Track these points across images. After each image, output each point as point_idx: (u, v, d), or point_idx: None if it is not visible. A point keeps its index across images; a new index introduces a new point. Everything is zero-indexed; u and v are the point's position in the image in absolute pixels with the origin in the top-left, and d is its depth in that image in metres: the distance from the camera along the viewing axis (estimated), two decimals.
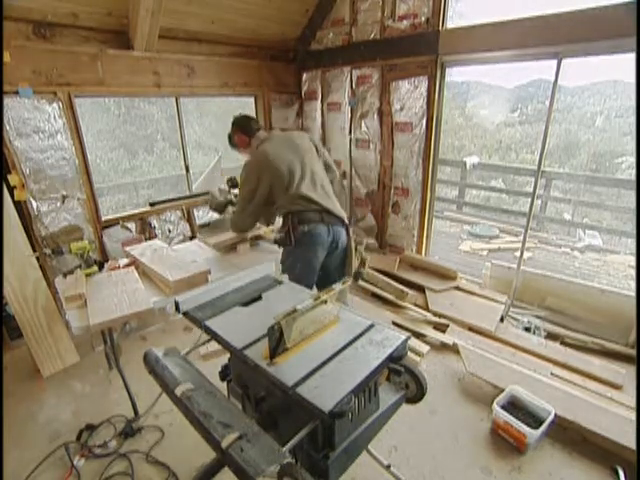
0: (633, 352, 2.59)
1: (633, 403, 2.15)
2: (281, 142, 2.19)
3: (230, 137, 2.33)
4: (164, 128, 7.60)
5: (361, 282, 3.54)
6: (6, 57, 2.36)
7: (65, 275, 2.13)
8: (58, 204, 2.87)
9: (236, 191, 2.55)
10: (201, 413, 1.11)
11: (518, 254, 3.22)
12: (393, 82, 3.44)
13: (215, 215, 2.96)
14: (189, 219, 3.70)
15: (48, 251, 2.27)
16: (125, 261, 2.34)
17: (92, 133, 6.71)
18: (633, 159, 6.45)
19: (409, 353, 2.65)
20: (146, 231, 3.40)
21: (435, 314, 3.05)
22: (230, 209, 2.61)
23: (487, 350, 2.57)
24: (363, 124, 3.78)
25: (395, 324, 2.95)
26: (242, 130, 2.25)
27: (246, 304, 1.60)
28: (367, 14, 3.50)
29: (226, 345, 1.35)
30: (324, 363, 1.21)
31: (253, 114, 4.22)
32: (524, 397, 2.09)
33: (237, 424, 1.06)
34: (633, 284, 3.18)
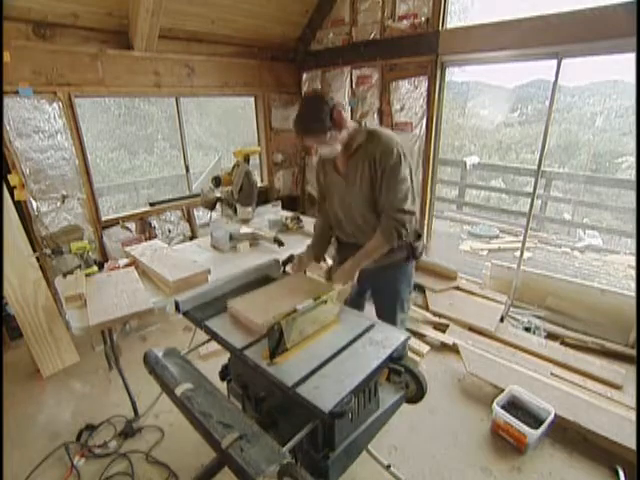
0: (633, 352, 2.59)
1: (633, 403, 2.15)
2: None
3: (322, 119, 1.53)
4: (164, 128, 7.59)
5: None
6: (6, 57, 2.36)
7: (65, 275, 2.13)
8: (58, 204, 2.87)
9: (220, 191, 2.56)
10: (201, 413, 1.11)
11: (518, 254, 3.22)
12: (393, 82, 3.44)
13: (214, 214, 2.96)
14: (189, 219, 3.70)
15: (48, 251, 2.27)
16: (125, 261, 2.34)
17: (92, 133, 6.70)
18: (633, 159, 6.44)
19: (409, 353, 2.65)
20: (146, 231, 3.40)
21: (435, 314, 3.05)
22: (219, 206, 2.64)
23: (487, 350, 2.57)
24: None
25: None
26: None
27: None
28: (367, 14, 3.50)
29: (226, 345, 1.35)
30: (324, 363, 1.21)
31: (253, 114, 4.22)
32: (524, 397, 2.09)
33: (237, 424, 1.06)
34: (633, 284, 3.18)
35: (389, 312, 1.89)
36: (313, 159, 4.42)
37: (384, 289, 1.87)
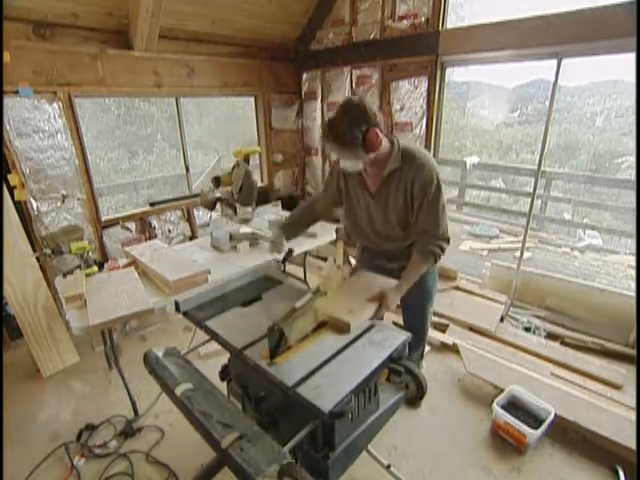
0: (633, 352, 2.59)
1: (633, 403, 2.15)
2: None
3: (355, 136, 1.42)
4: (164, 128, 7.59)
5: None
6: (6, 57, 2.36)
7: (65, 275, 2.13)
8: (58, 204, 2.87)
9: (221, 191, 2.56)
10: (201, 413, 1.11)
11: (518, 254, 3.22)
12: (393, 82, 3.44)
13: (214, 214, 2.96)
14: (189, 219, 3.70)
15: (48, 251, 2.27)
16: (125, 261, 2.34)
17: (92, 133, 6.70)
18: (633, 159, 6.44)
19: None
20: (146, 231, 3.40)
21: (435, 314, 3.05)
22: (219, 206, 2.63)
23: (487, 350, 2.56)
24: None
25: (395, 324, 2.95)
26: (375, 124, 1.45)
27: (246, 304, 1.60)
28: (367, 14, 3.50)
29: (226, 345, 1.35)
30: (324, 363, 1.21)
31: (253, 114, 4.21)
32: (524, 397, 2.09)
33: (237, 424, 1.06)
34: (633, 284, 3.18)
35: (419, 306, 1.94)
36: (313, 159, 4.43)
37: (416, 287, 1.81)
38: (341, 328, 1.38)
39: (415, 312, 1.96)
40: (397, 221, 1.66)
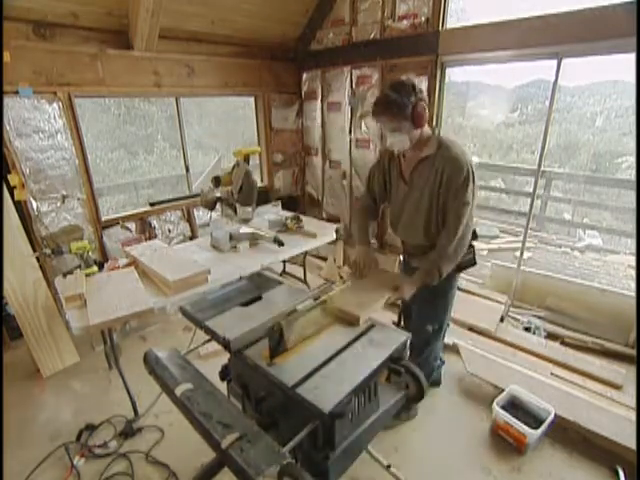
0: (633, 352, 2.59)
1: (633, 403, 2.15)
2: None
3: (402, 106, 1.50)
4: (164, 128, 7.59)
5: None
6: (6, 57, 2.36)
7: (65, 275, 2.13)
8: (58, 204, 2.87)
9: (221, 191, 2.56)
10: (201, 413, 1.11)
11: (518, 254, 3.22)
12: None
13: (214, 214, 2.96)
14: (189, 219, 3.70)
15: (48, 251, 2.27)
16: (125, 261, 2.34)
17: (92, 133, 6.70)
18: (633, 159, 6.44)
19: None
20: (146, 231, 3.40)
21: None
22: (219, 206, 2.63)
23: (487, 350, 2.56)
24: (363, 124, 3.78)
25: (395, 324, 2.94)
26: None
27: (246, 304, 1.60)
28: (367, 14, 3.50)
29: (226, 345, 1.35)
30: (324, 363, 1.21)
31: (253, 114, 4.21)
32: (524, 397, 2.09)
33: (237, 424, 1.06)
34: (633, 284, 3.18)
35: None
36: (313, 159, 4.42)
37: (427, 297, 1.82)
38: (350, 321, 1.43)
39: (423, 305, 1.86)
40: (424, 213, 1.67)
